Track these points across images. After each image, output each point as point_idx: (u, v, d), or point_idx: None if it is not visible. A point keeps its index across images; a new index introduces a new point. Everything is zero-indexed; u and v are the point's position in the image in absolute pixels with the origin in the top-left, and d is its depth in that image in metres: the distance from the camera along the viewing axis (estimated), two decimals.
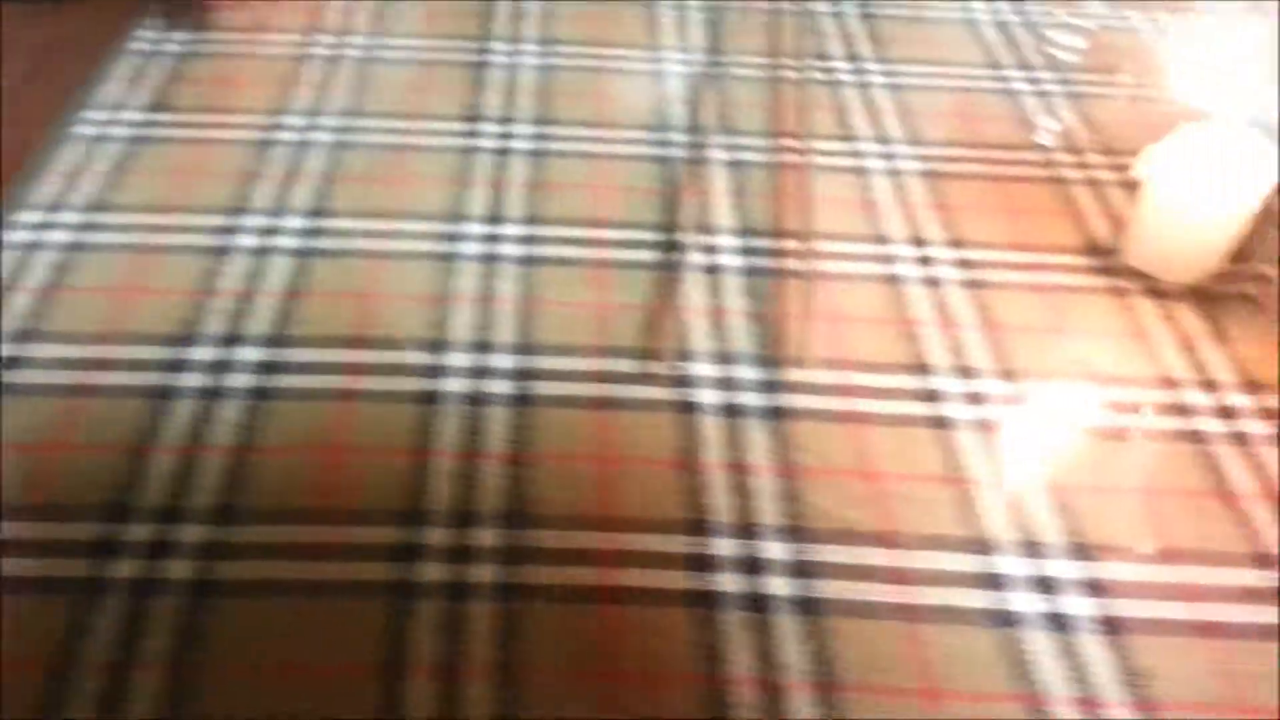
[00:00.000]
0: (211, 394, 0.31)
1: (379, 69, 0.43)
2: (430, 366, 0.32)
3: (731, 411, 0.31)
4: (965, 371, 0.32)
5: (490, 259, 0.36)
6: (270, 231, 0.36)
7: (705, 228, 0.37)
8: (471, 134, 0.40)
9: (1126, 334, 0.33)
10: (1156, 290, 0.35)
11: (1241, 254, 0.34)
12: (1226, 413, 0.31)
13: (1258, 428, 0.31)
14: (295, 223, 0.36)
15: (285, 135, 0.39)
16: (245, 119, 0.41)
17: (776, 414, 0.31)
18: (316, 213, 0.36)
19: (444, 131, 0.40)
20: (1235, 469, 0.30)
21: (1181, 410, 0.31)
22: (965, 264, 0.36)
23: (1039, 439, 0.30)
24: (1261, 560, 0.28)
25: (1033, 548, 0.28)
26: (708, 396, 0.31)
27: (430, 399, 0.31)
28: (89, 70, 0.42)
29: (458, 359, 0.32)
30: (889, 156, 0.40)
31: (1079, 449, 0.30)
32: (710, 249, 0.36)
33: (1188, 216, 0.33)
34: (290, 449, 0.30)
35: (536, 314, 0.33)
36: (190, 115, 0.41)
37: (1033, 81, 0.45)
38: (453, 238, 0.36)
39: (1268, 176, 0.32)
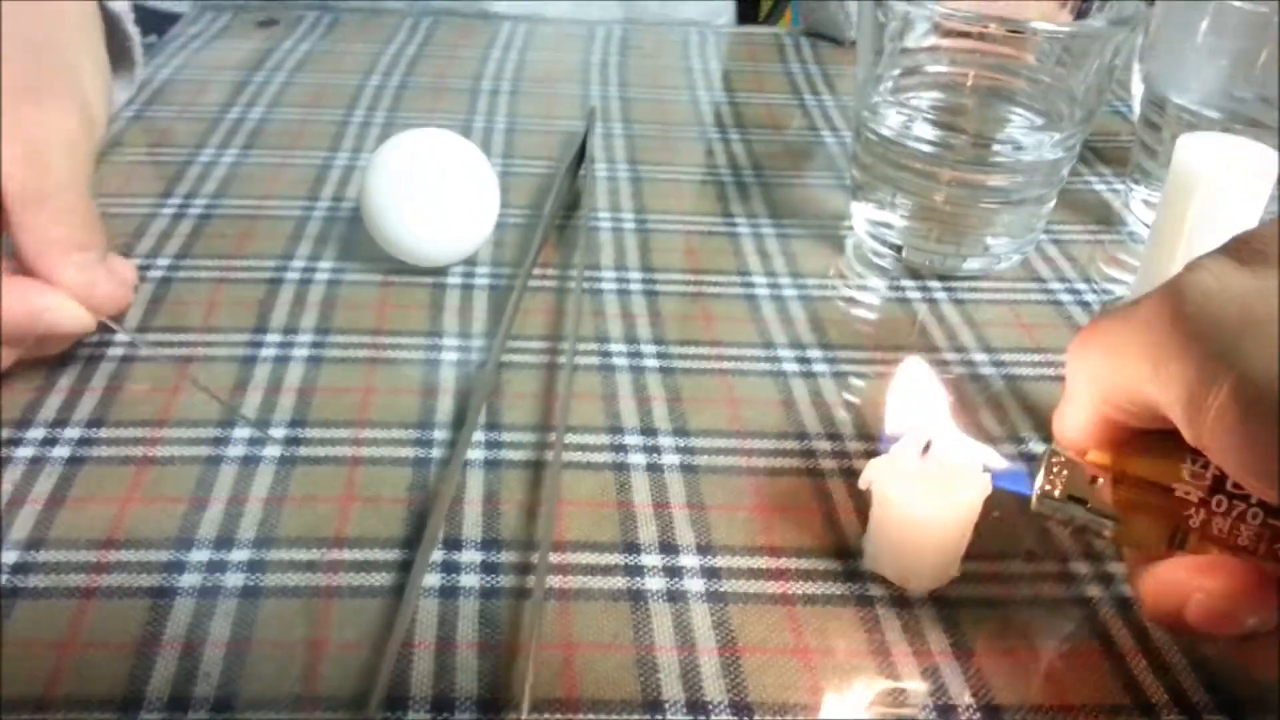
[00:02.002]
0: None
1: (134, 368, 0.41)
2: None
3: None
4: (698, 707, 0.30)
5: (204, 613, 0.33)
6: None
7: (449, 542, 0.35)
8: (219, 441, 0.39)
9: (868, 651, 0.31)
10: (899, 599, 0.33)
11: (975, 557, 0.33)
12: None
13: None
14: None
15: None
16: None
17: None
18: None
19: (190, 439, 0.38)
20: None
21: None
22: (711, 573, 0.34)
23: None
24: None
25: None
26: None
27: None
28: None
29: None
30: (653, 450, 0.39)
31: None
32: (451, 567, 0.34)
33: (914, 525, 0.32)
34: None
35: (248, 655, 0.31)
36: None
37: (802, 361, 0.44)
38: (171, 569, 0.34)
39: (986, 481, 0.32)
